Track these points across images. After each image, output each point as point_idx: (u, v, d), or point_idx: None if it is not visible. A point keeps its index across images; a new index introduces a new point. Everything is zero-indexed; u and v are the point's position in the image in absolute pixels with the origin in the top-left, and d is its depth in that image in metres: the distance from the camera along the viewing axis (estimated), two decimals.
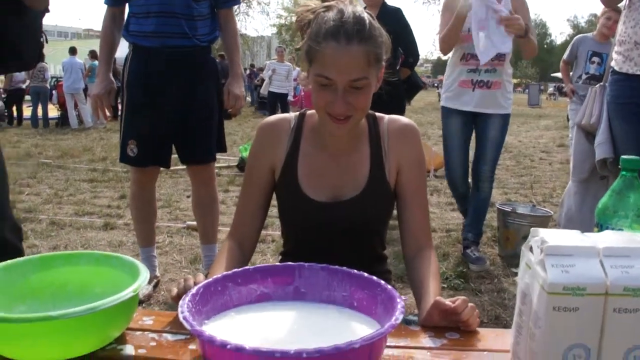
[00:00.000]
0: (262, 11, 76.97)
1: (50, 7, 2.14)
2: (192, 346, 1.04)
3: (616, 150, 2.62)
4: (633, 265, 0.80)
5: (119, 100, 3.42)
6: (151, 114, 3.05)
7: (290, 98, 13.04)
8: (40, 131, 13.12)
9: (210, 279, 1.08)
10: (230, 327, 1.02)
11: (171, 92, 3.04)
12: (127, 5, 3.07)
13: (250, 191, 1.58)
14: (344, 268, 1.14)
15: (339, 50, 1.32)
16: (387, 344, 0.97)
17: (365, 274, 1.11)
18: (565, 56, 5.54)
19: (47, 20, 2.30)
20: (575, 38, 5.60)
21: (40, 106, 14.33)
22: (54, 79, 16.80)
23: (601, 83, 2.85)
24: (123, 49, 3.24)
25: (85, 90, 14.12)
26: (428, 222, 1.55)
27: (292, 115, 1.60)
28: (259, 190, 1.57)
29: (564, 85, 6.07)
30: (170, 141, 3.19)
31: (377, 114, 1.57)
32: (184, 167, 3.46)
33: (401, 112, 4.30)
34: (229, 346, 0.81)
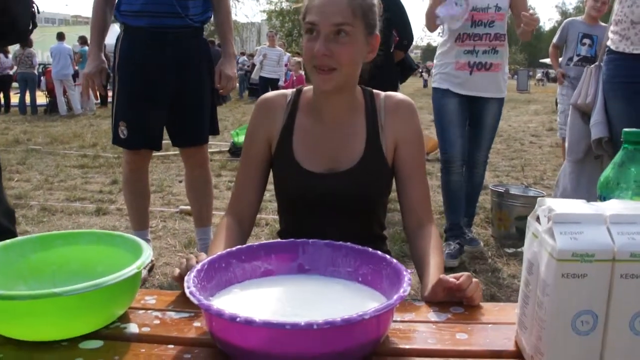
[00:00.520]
0: None
1: None
2: (197, 323, 1.04)
3: (612, 129, 2.63)
4: (639, 232, 0.80)
5: (109, 87, 3.40)
6: (142, 96, 3.03)
7: (281, 83, 13.00)
8: (28, 118, 13.01)
9: (214, 256, 1.08)
10: (236, 302, 1.02)
11: (162, 73, 3.01)
12: None
13: (247, 166, 1.59)
14: (348, 244, 1.14)
15: None
16: (393, 318, 0.97)
17: (370, 249, 1.11)
18: (555, 40, 5.52)
19: None
20: (564, 22, 5.59)
21: (28, 93, 14.20)
22: (41, 66, 16.67)
23: (596, 63, 2.86)
24: (112, 35, 3.21)
25: (75, 76, 14.02)
26: (428, 197, 1.55)
27: (289, 91, 1.61)
28: (257, 165, 1.57)
29: (551, 71, 6.06)
30: (162, 123, 3.16)
31: (374, 90, 1.57)
32: (176, 152, 3.45)
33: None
34: (238, 319, 0.81)
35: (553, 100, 13.11)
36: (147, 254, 1.06)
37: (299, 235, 1.23)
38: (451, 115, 3.62)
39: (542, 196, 4.07)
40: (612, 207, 0.86)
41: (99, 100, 13.96)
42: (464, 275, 1.11)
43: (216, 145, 8.10)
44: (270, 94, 1.61)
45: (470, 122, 3.71)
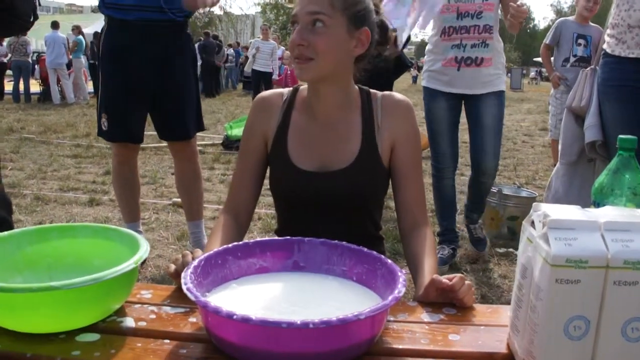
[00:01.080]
0: None
1: None
2: (192, 319, 1.05)
3: (605, 133, 2.64)
4: (633, 239, 0.82)
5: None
6: (123, 89, 3.03)
7: (275, 77, 12.98)
8: (22, 106, 12.94)
9: (211, 252, 1.09)
10: (232, 299, 1.03)
11: (145, 67, 3.01)
12: None
13: (244, 163, 1.59)
14: (344, 243, 1.15)
15: None
16: (387, 318, 0.98)
17: (365, 249, 1.12)
18: (547, 40, 5.48)
19: None
20: (556, 22, 5.58)
21: (22, 81, 14.13)
22: (35, 54, 16.58)
23: (592, 66, 2.87)
24: (96, 25, 3.21)
25: (69, 65, 13.96)
26: (424, 198, 1.55)
27: (285, 90, 1.62)
28: (253, 163, 1.58)
29: (544, 70, 6.03)
30: (143, 117, 3.17)
31: (371, 90, 1.58)
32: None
33: (389, 90, 4.29)
34: (235, 317, 0.82)
35: (546, 100, 13.15)
36: (145, 249, 1.06)
37: (294, 233, 1.23)
38: (440, 121, 3.41)
39: (534, 197, 4.13)
40: (607, 213, 0.87)
41: (92, 90, 13.93)
42: (456, 276, 1.12)
43: (209, 138, 8.09)
44: (268, 92, 1.62)
45: (469, 123, 3.42)
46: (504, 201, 4.02)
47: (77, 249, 1.18)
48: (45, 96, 14.12)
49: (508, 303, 2.71)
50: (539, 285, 0.83)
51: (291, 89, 1.61)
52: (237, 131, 7.64)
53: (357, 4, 1.44)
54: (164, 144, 3.64)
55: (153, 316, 1.06)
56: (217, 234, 1.44)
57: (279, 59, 14.71)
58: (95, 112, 3.29)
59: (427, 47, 3.49)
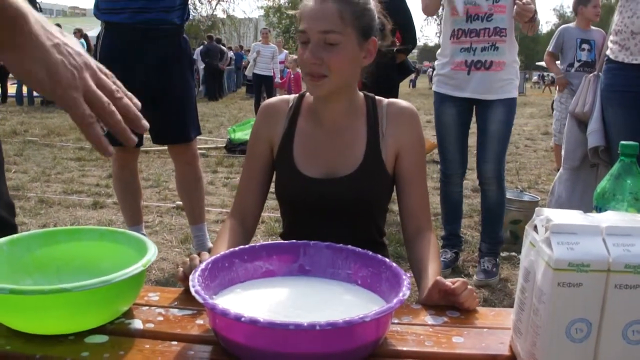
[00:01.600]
0: None
1: None
2: (200, 321, 1.06)
3: (608, 138, 2.66)
4: (634, 243, 0.83)
5: None
6: None
7: (277, 80, 12.99)
8: (25, 109, 12.98)
9: (218, 255, 1.10)
10: (238, 302, 1.04)
11: (143, 70, 3.03)
12: None
13: (250, 169, 1.61)
14: (349, 246, 1.17)
15: (314, 6, 1.42)
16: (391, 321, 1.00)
17: (370, 252, 1.14)
18: (551, 48, 5.51)
19: None
20: (559, 29, 5.59)
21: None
22: None
23: (595, 72, 2.89)
24: (100, 28, 3.24)
25: None
26: (428, 204, 1.57)
27: (291, 96, 1.63)
28: (259, 168, 1.59)
29: (546, 74, 6.01)
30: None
31: (377, 97, 1.59)
32: None
33: (394, 96, 4.29)
34: (243, 319, 0.83)
35: (549, 104, 13.14)
36: (152, 251, 1.08)
37: (299, 237, 1.25)
38: (449, 126, 3.37)
39: (537, 201, 4.14)
40: (608, 218, 0.88)
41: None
42: (459, 281, 1.14)
43: (212, 141, 8.12)
44: (274, 99, 1.64)
45: (477, 128, 3.37)
46: (506, 205, 4.02)
47: (85, 251, 1.20)
48: (48, 99, 14.14)
49: (510, 306, 2.73)
50: (542, 289, 0.85)
51: (297, 95, 1.62)
52: (241, 135, 7.66)
53: (365, 15, 1.45)
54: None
55: (160, 318, 1.07)
56: (224, 237, 1.45)
57: (282, 62, 14.72)
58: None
59: (437, 51, 3.45)
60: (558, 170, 5.46)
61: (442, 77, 3.34)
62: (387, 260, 1.10)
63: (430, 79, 32.61)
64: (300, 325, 0.82)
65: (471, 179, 5.23)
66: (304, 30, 1.42)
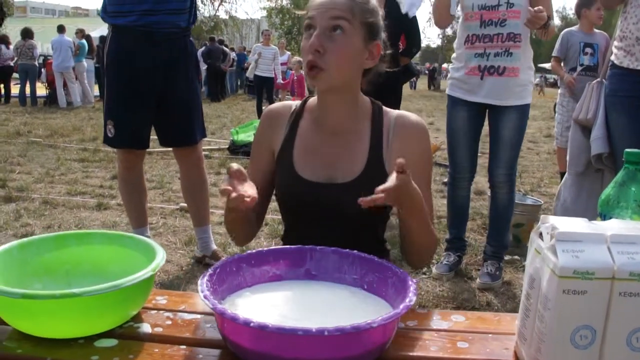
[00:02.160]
0: None
1: None
2: (208, 324, 1.07)
3: (612, 144, 2.67)
4: (638, 251, 0.84)
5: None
6: (128, 96, 3.07)
7: (280, 81, 13.00)
8: (28, 109, 13.02)
9: (226, 260, 1.11)
10: (247, 306, 1.05)
11: (150, 73, 3.05)
12: None
13: (253, 174, 1.60)
14: (355, 251, 1.18)
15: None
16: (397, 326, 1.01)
17: (376, 258, 1.15)
18: (556, 52, 5.49)
19: None
20: (562, 33, 5.57)
21: (28, 84, 14.22)
22: (42, 57, 16.67)
23: (598, 79, 2.90)
24: (103, 29, 3.26)
25: (75, 69, 14.03)
26: (432, 214, 1.54)
27: (294, 102, 1.62)
28: (262, 176, 1.59)
29: (548, 75, 5.96)
30: (149, 123, 3.20)
31: (384, 107, 1.57)
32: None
33: (397, 98, 4.29)
34: (252, 324, 0.85)
35: (551, 106, 13.13)
36: (161, 256, 1.09)
37: (298, 240, 1.25)
38: (459, 130, 3.35)
39: (540, 204, 4.14)
40: (613, 226, 0.90)
41: (97, 93, 14.00)
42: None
43: (215, 142, 8.13)
44: (276, 105, 1.63)
45: (489, 133, 3.35)
46: None
47: (94, 255, 1.22)
48: (51, 99, 14.19)
49: (513, 310, 2.73)
50: (547, 296, 0.86)
51: (300, 101, 1.61)
52: (243, 136, 7.67)
53: (373, 15, 1.44)
54: (170, 148, 3.67)
55: (169, 322, 1.09)
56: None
57: (285, 64, 14.73)
58: (102, 116, 3.32)
59: (452, 55, 3.45)
60: (560, 173, 5.49)
61: (456, 80, 3.35)
62: (393, 265, 1.11)
63: (430, 80, 32.65)
64: (308, 331, 0.83)
65: (475, 181, 5.23)
66: (311, 17, 1.40)
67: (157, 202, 4.92)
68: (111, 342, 1.00)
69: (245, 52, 22.02)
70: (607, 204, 1.06)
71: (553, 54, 5.52)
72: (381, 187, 1.16)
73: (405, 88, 28.58)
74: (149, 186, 5.03)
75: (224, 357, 0.96)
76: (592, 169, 2.84)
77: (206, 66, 17.38)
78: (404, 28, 4.01)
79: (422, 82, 36.13)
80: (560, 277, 0.83)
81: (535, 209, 4.09)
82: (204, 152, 6.77)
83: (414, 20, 4.05)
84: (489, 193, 4.09)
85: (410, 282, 1.02)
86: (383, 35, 1.51)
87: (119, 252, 1.21)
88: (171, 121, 3.19)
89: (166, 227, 4.19)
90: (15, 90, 14.75)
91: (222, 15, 42.68)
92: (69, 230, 3.95)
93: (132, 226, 3.40)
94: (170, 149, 3.89)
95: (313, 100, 1.58)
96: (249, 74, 12.57)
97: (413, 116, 1.54)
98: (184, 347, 0.99)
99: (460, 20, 3.31)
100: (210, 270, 1.05)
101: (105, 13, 3.07)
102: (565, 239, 0.85)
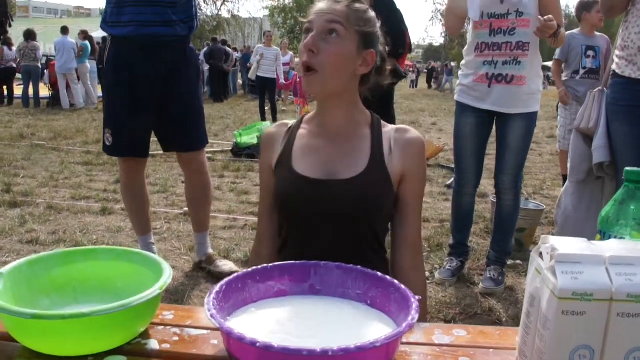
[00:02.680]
0: None
1: None
2: (214, 341, 1.09)
3: (614, 152, 2.68)
4: (636, 273, 0.86)
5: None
6: (127, 104, 3.07)
7: (282, 81, 13.02)
8: (31, 111, 13.07)
9: (232, 277, 1.13)
10: (252, 323, 1.07)
11: (149, 82, 3.05)
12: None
13: (264, 199, 1.64)
14: (358, 267, 1.19)
15: (324, 5, 1.47)
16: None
17: (379, 273, 1.17)
18: (558, 55, 5.50)
19: None
20: (565, 34, 5.59)
21: (31, 85, 14.26)
22: (45, 57, 16.71)
23: (600, 87, 2.91)
24: (101, 31, 3.28)
25: (78, 70, 14.06)
26: (420, 239, 1.59)
27: (293, 121, 1.65)
28: (270, 197, 1.61)
29: (550, 74, 5.94)
30: (147, 131, 3.19)
31: (382, 120, 1.60)
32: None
33: (387, 100, 4.20)
34: (258, 344, 0.86)
35: (554, 105, 13.09)
36: (168, 274, 1.11)
37: (296, 246, 1.27)
38: (466, 136, 3.39)
39: (542, 209, 4.16)
40: (612, 247, 0.91)
41: (101, 95, 14.03)
42: None
43: (218, 144, 8.16)
44: (273, 127, 1.65)
45: (496, 140, 3.40)
46: None
47: (102, 271, 1.23)
48: (54, 101, 14.24)
49: (515, 316, 2.73)
50: (547, 316, 0.88)
51: (298, 119, 1.65)
52: (247, 139, 7.69)
53: (369, 25, 1.50)
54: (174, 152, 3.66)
55: (176, 338, 1.11)
56: None
57: (287, 64, 14.75)
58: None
59: (461, 62, 3.48)
60: (563, 175, 5.50)
61: (464, 87, 3.37)
62: (395, 282, 1.12)
63: (429, 79, 32.52)
64: (313, 352, 0.85)
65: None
66: (310, 21, 1.46)
67: (161, 206, 4.94)
68: (120, 359, 1.02)
69: (251, 52, 22.05)
70: (607, 222, 1.08)
71: (554, 57, 5.54)
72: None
73: (405, 88, 28.60)
74: (152, 190, 5.07)
75: None
76: (593, 176, 2.86)
77: (208, 67, 17.41)
78: (391, 28, 3.94)
79: (422, 81, 36.13)
80: (560, 298, 0.85)
81: (537, 214, 4.10)
82: (207, 155, 6.83)
83: (401, 22, 3.98)
84: (492, 196, 4.13)
85: (412, 300, 1.04)
86: (381, 47, 1.55)
87: (126, 268, 1.22)
88: (173, 128, 3.20)
89: (170, 232, 4.22)
90: (18, 91, 14.81)
91: (225, 14, 42.79)
92: (74, 236, 3.99)
93: (137, 234, 3.42)
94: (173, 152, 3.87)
95: (310, 115, 1.62)
96: (251, 75, 12.58)
97: (413, 132, 1.57)
98: None
99: (470, 28, 3.32)
100: (216, 288, 1.07)
101: (105, 23, 3.09)
102: (565, 261, 0.87)
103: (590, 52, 5.27)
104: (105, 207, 4.84)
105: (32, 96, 14.28)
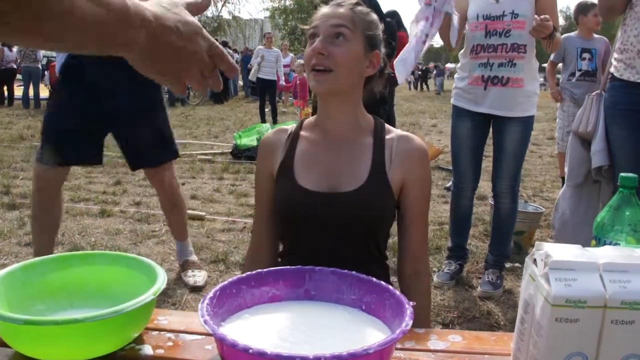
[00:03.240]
0: None
1: None
2: (208, 346, 1.09)
3: (612, 156, 2.67)
4: (630, 280, 0.86)
5: None
6: (69, 109, 2.87)
7: (282, 83, 13.01)
8: (31, 112, 13.07)
9: (226, 282, 1.13)
10: (246, 328, 1.07)
11: (102, 88, 2.83)
12: None
13: (260, 207, 1.64)
14: (353, 272, 1.19)
15: (327, 10, 1.48)
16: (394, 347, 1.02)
17: (374, 279, 1.16)
18: (553, 57, 5.51)
19: None
20: (560, 39, 5.59)
21: (31, 86, 14.27)
22: (45, 58, 16.71)
23: (597, 91, 2.90)
24: None
25: None
26: (427, 246, 1.60)
27: (290, 126, 1.63)
28: (267, 204, 1.61)
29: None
30: (88, 140, 2.94)
31: (386, 124, 1.59)
32: None
33: (389, 104, 4.18)
34: (251, 350, 0.86)
35: (554, 107, 13.06)
36: (162, 279, 1.11)
37: (298, 256, 1.27)
38: (463, 140, 3.37)
39: (541, 212, 4.15)
40: (606, 254, 0.91)
41: None
42: None
43: (218, 146, 8.15)
44: (271, 133, 1.64)
45: (493, 144, 3.39)
46: None
47: (97, 276, 1.23)
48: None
49: (513, 320, 2.73)
50: (540, 323, 0.88)
51: (297, 124, 1.63)
52: (246, 140, 7.69)
53: (373, 28, 1.51)
54: None
55: (170, 343, 1.10)
56: None
57: (288, 66, 14.74)
58: None
59: (457, 65, 3.46)
60: (561, 177, 5.50)
61: (460, 90, 3.36)
62: (390, 287, 1.12)
63: (422, 80, 32.33)
64: (306, 358, 0.85)
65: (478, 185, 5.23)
66: (315, 27, 1.47)
67: (160, 208, 4.93)
68: None
69: (251, 53, 22.05)
70: (602, 228, 1.08)
71: (550, 59, 5.56)
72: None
73: (405, 89, 28.56)
74: (150, 192, 5.05)
75: None
76: (591, 180, 2.85)
77: None
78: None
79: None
80: (553, 305, 0.84)
81: (536, 217, 4.10)
82: (207, 157, 6.77)
83: (390, 23, 3.94)
84: (491, 199, 4.12)
85: (406, 306, 1.03)
86: (383, 50, 1.55)
87: (121, 273, 1.22)
88: (130, 141, 3.03)
89: (169, 235, 4.18)
90: (18, 92, 14.82)
91: (226, 15, 42.84)
92: (72, 238, 3.99)
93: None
94: None
95: (310, 120, 1.61)
96: (252, 76, 12.58)
97: (417, 139, 1.56)
98: None
99: (466, 30, 3.31)
100: (210, 294, 1.07)
101: None
102: (559, 267, 0.87)
103: (586, 55, 5.28)
104: (104, 209, 4.83)
105: (32, 97, 14.29)
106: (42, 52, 15.58)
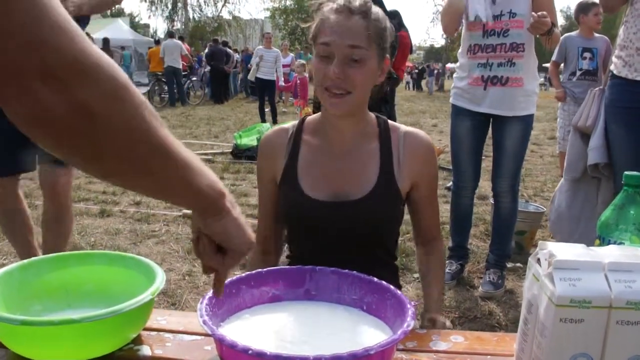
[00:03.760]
0: None
1: None
2: (207, 347, 1.08)
3: (611, 154, 2.66)
4: (636, 280, 0.84)
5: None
6: None
7: (281, 83, 12.99)
8: None
9: (226, 282, 1.12)
10: (246, 329, 1.06)
11: None
12: None
13: (262, 206, 1.62)
14: (354, 272, 1.18)
15: (340, 19, 1.38)
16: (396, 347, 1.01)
17: (375, 279, 1.15)
18: (555, 57, 5.51)
19: None
20: (561, 38, 5.57)
21: None
22: None
23: (600, 87, 2.89)
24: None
25: None
26: (438, 217, 1.62)
27: (290, 124, 1.60)
28: (271, 204, 1.59)
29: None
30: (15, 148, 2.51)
31: (390, 121, 1.56)
32: None
33: (390, 103, 4.18)
34: (250, 351, 0.85)
35: (556, 106, 13.05)
36: (160, 279, 1.10)
37: (306, 262, 1.25)
38: (463, 140, 3.34)
39: (542, 212, 4.14)
40: (611, 253, 0.90)
41: None
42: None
43: (218, 146, 8.13)
44: (271, 132, 1.61)
45: (493, 143, 3.35)
46: None
47: (95, 276, 1.22)
48: None
49: (515, 320, 2.71)
50: (544, 323, 0.86)
51: (297, 122, 1.60)
52: (247, 140, 7.68)
53: (388, 37, 1.45)
54: None
55: (169, 344, 1.09)
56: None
57: (287, 66, 14.72)
58: None
59: (456, 64, 3.42)
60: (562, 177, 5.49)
61: (459, 90, 3.33)
62: (391, 287, 1.11)
63: (417, 80, 32.19)
64: (306, 359, 0.84)
65: (478, 185, 5.22)
66: (328, 43, 1.38)
67: (160, 208, 4.92)
68: None
69: (249, 53, 22.03)
70: (606, 227, 1.06)
71: (552, 59, 5.54)
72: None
73: (404, 89, 28.53)
74: None
75: None
76: (589, 175, 2.84)
77: (209, 68, 17.42)
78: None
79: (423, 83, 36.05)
80: (558, 305, 0.83)
81: (537, 216, 4.08)
82: (207, 157, 6.72)
83: (391, 24, 3.92)
84: (491, 199, 4.09)
85: (408, 306, 1.02)
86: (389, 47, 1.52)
87: (119, 273, 1.21)
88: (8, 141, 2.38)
89: (169, 235, 4.20)
90: None
91: (226, 15, 42.82)
92: (72, 238, 3.96)
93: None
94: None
95: (312, 119, 1.57)
96: (251, 76, 12.56)
97: (421, 134, 1.54)
98: None
99: (463, 29, 3.29)
100: (210, 293, 1.06)
101: None
102: (563, 267, 0.85)
103: (587, 54, 5.26)
104: (104, 209, 4.82)
105: None
106: None
